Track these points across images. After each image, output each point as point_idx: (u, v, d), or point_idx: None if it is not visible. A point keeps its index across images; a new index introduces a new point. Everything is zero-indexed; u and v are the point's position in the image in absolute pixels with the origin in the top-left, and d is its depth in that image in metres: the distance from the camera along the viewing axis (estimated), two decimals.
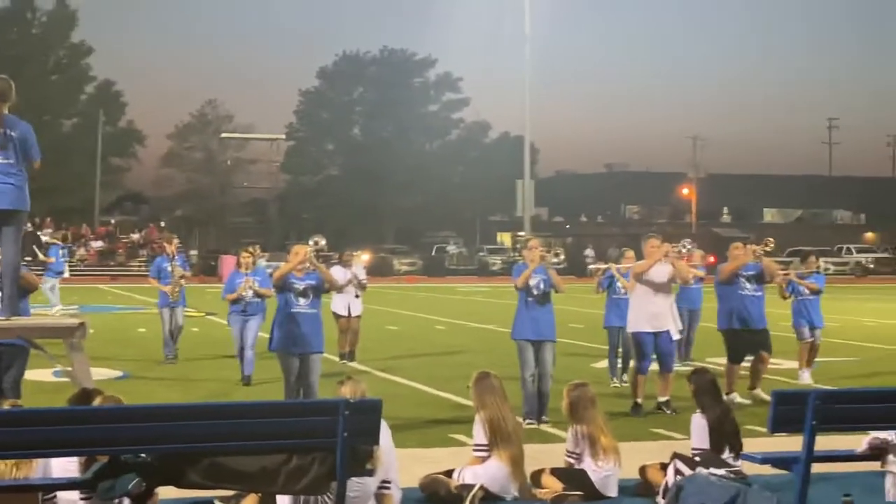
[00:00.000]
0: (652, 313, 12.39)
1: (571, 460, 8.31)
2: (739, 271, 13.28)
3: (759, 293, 13.40)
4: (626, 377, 14.43)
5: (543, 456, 8.99)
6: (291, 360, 10.85)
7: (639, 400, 12.38)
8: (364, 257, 22.39)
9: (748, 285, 13.28)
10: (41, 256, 31.45)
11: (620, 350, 14.82)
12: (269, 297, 14.40)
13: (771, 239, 14.03)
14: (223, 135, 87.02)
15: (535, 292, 11.76)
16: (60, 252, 30.23)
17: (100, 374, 14.80)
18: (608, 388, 14.20)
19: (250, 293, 14.96)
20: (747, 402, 12.95)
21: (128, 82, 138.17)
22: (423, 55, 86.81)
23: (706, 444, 8.09)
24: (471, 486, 7.78)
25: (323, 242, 11.42)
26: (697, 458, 7.87)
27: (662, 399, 12.46)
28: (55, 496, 6.46)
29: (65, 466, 6.60)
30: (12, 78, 9.27)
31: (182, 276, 17.31)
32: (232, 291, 15.18)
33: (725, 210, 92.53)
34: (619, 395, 13.48)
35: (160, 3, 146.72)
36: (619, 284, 14.65)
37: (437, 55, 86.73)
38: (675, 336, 12.79)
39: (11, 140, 8.84)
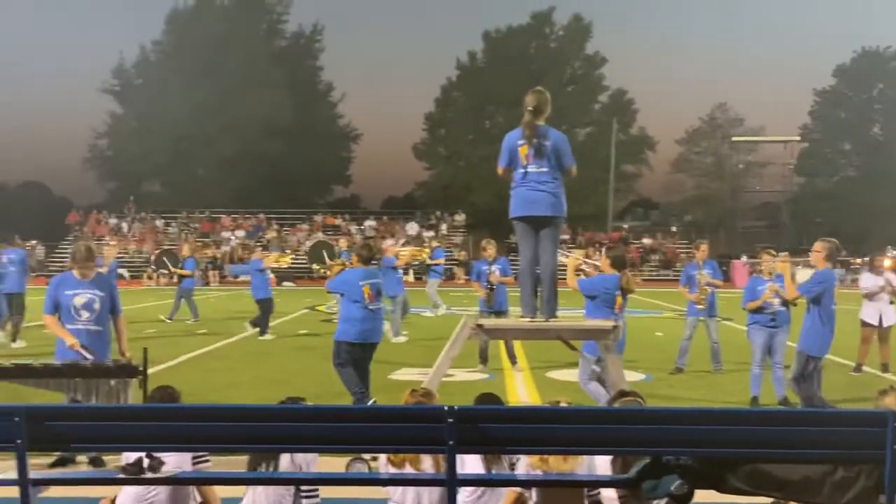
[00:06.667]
0: None
1: None
2: None
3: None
4: None
5: None
6: None
7: None
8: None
9: None
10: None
11: None
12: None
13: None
14: (733, 138, 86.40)
15: None
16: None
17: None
18: None
19: (777, 301, 13.23)
20: None
21: (638, 90, 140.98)
22: None
23: None
24: None
25: None
26: None
27: None
28: (598, 493, 6.69)
29: (603, 466, 6.79)
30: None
31: (708, 284, 16.49)
32: (753, 299, 13.47)
33: None
34: None
35: (677, 11, 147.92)
36: None
37: None
38: None
39: (545, 149, 9.29)
